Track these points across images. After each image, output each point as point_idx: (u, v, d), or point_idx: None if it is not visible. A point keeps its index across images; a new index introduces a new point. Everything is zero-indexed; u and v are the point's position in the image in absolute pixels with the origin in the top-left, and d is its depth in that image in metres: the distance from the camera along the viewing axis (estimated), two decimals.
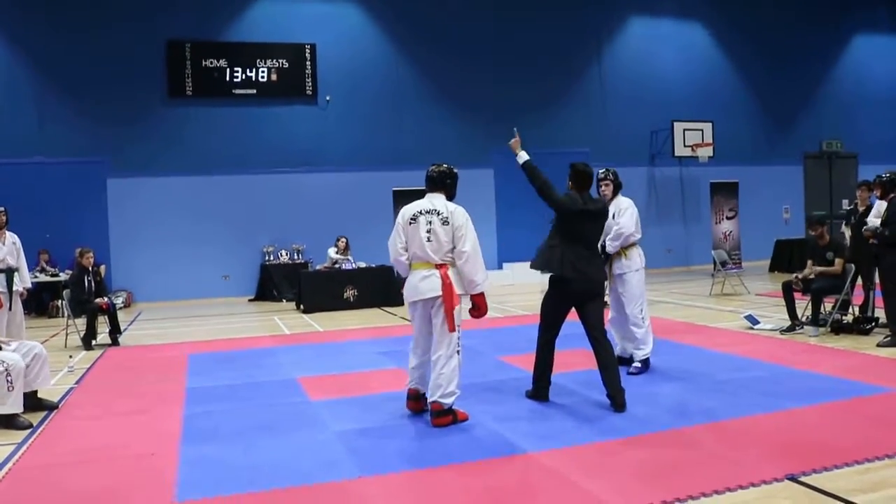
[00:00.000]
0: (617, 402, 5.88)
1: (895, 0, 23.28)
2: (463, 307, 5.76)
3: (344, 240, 14.77)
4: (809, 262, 9.52)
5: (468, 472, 4.62)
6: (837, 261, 9.17)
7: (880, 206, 8.69)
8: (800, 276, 9.40)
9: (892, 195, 8.54)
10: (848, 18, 22.54)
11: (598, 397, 6.23)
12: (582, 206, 6.00)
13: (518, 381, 7.10)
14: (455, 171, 5.97)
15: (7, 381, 6.03)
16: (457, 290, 5.65)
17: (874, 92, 22.92)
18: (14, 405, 6.08)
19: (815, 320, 9.08)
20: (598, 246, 6.44)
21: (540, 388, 6.29)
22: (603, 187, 7.42)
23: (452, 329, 5.61)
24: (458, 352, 5.67)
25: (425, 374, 5.88)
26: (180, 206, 16.54)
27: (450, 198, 5.91)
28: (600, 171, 7.46)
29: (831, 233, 9.75)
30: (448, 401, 5.62)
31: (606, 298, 7.14)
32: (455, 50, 18.37)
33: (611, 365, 6.00)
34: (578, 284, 6.01)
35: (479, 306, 5.77)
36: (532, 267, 6.36)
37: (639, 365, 7.32)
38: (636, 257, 7.41)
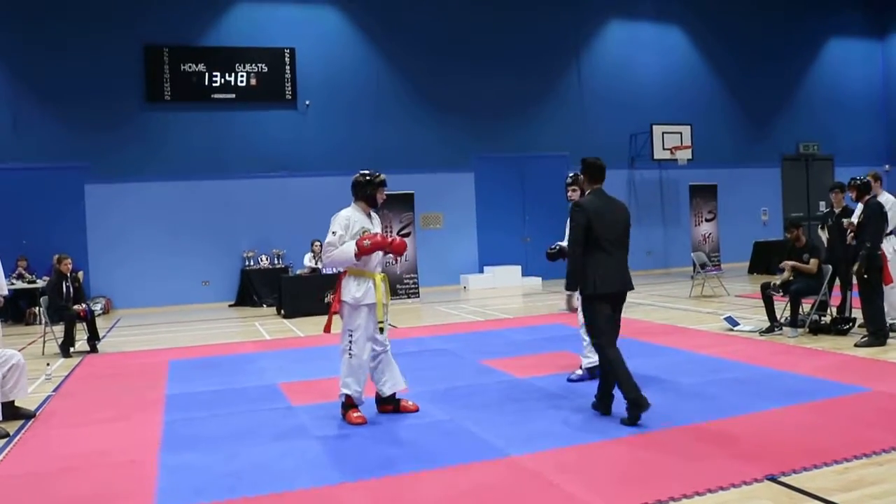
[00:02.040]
0: (603, 406, 5.87)
1: (869, 4, 23.57)
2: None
3: (319, 244, 14.71)
4: (788, 266, 9.62)
5: (450, 476, 4.62)
6: (812, 261, 9.26)
7: (859, 209, 8.80)
8: (777, 282, 9.49)
9: (867, 197, 8.68)
10: (823, 22, 22.80)
11: (579, 400, 6.26)
12: (593, 212, 5.73)
13: (499, 385, 7.12)
14: (354, 178, 6.12)
15: None
16: (343, 296, 5.93)
17: (849, 95, 23.19)
18: None
19: (794, 321, 9.16)
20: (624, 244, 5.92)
21: (637, 397, 5.55)
22: (570, 192, 7.11)
23: (326, 330, 6.10)
24: (349, 354, 5.93)
25: (372, 374, 6.13)
26: (159, 212, 16.42)
27: (368, 204, 6.12)
28: (569, 176, 7.28)
29: (808, 235, 9.84)
30: (340, 390, 6.00)
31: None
32: (435, 54, 18.38)
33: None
34: (606, 289, 5.73)
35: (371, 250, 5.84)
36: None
37: (580, 372, 7.07)
38: None
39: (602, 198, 5.92)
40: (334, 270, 14.06)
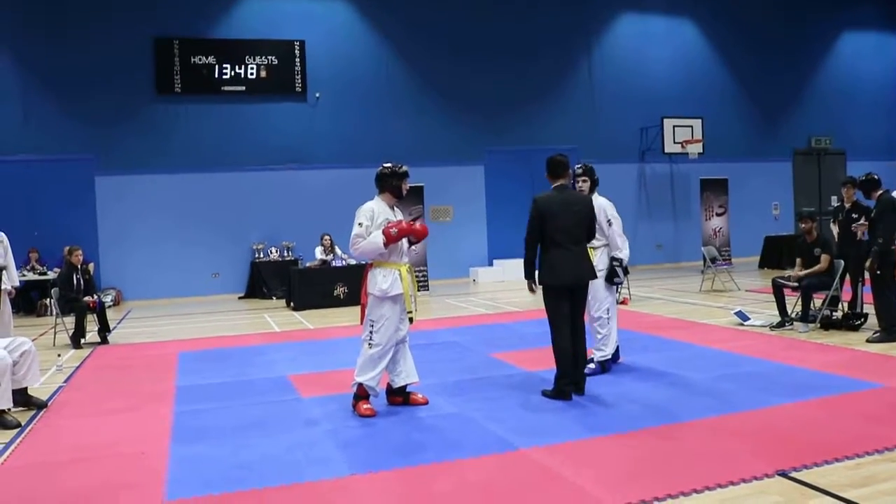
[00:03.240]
0: (579, 387, 6.24)
1: None
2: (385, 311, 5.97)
3: (328, 237, 14.73)
4: (799, 261, 9.58)
5: (459, 469, 4.61)
6: (823, 257, 9.21)
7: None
8: (792, 276, 9.46)
9: (879, 192, 8.61)
10: (836, 16, 22.64)
11: (590, 394, 6.25)
12: (545, 208, 6.16)
13: (509, 378, 7.11)
14: (378, 171, 6.19)
15: None
16: (369, 289, 5.99)
17: (862, 89, 23.03)
18: (2, 401, 6.04)
19: (805, 316, 9.11)
20: (584, 236, 6.37)
21: (565, 387, 6.22)
22: (580, 183, 7.26)
23: (360, 321, 6.11)
24: (368, 344, 5.97)
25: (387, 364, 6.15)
26: (169, 204, 16.46)
27: (393, 195, 6.17)
28: (577, 167, 7.35)
29: (819, 229, 9.79)
30: (353, 380, 6.02)
31: None
32: (445, 46, 18.35)
33: (582, 354, 6.31)
34: (564, 280, 6.15)
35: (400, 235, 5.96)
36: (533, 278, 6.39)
37: (593, 366, 7.08)
38: (604, 257, 7.23)
39: (562, 194, 6.30)
40: (343, 263, 14.22)
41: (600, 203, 7.21)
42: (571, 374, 6.22)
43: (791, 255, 9.83)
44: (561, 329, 6.19)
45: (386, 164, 6.19)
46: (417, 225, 6.20)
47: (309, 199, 17.18)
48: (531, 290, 6.37)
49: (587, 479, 4.33)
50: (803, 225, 9.62)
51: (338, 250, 14.59)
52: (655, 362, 7.58)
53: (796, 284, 9.36)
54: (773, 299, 9.56)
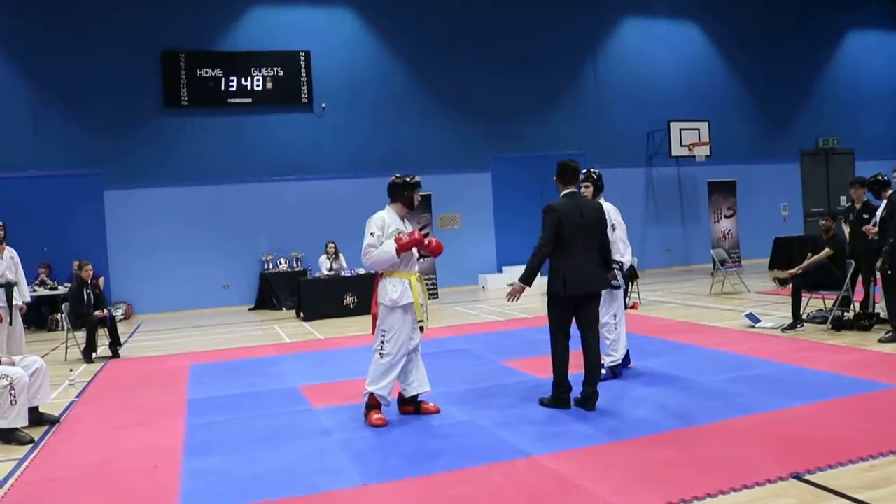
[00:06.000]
0: (590, 404, 6.04)
1: None
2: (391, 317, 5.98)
3: (332, 245, 14.77)
4: (809, 255, 9.61)
5: (472, 477, 4.61)
6: (825, 251, 9.24)
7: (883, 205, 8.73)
8: (793, 272, 9.56)
9: (889, 192, 8.57)
10: (841, 15, 22.57)
11: (601, 399, 6.22)
12: (564, 215, 5.97)
13: (520, 385, 7.10)
14: (391, 181, 6.22)
15: (10, 395, 6.03)
16: (380, 299, 6.01)
17: (869, 88, 22.95)
18: (17, 419, 6.07)
19: (797, 315, 9.19)
20: (598, 244, 6.22)
21: (562, 395, 6.17)
22: (583, 188, 7.28)
23: (372, 331, 6.11)
24: (380, 354, 5.97)
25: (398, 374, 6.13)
26: (178, 217, 16.51)
27: (405, 205, 6.20)
28: (582, 172, 7.38)
29: (834, 230, 9.75)
30: (365, 390, 6.01)
31: None
32: (451, 54, 18.37)
33: (595, 367, 6.14)
34: (574, 292, 6.01)
35: (412, 246, 5.99)
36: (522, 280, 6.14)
37: (604, 372, 7.02)
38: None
39: (575, 200, 6.18)
40: (352, 273, 14.23)
41: (605, 208, 7.22)
42: (585, 384, 6.10)
43: (801, 256, 9.81)
44: (561, 339, 6.12)
45: (398, 175, 6.22)
46: (433, 241, 6.23)
47: (317, 209, 17.20)
48: (515, 296, 6.07)
49: (601, 486, 4.32)
50: (823, 222, 9.61)
51: (342, 259, 14.63)
52: (667, 366, 7.56)
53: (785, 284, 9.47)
54: (783, 300, 9.53)
